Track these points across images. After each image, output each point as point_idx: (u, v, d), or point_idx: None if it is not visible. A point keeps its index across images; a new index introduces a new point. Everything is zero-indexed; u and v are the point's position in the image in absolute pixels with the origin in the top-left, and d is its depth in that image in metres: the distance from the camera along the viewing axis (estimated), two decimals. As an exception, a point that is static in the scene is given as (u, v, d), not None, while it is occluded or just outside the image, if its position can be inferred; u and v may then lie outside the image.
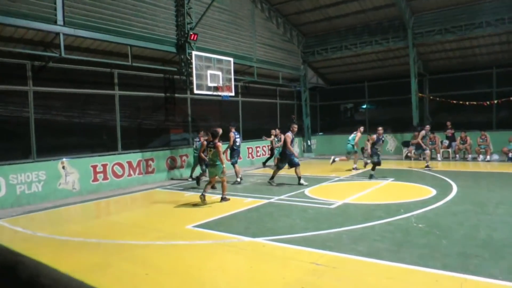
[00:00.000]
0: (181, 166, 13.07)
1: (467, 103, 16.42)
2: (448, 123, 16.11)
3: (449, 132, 15.92)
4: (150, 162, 12.05)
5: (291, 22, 18.21)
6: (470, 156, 15.06)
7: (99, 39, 10.33)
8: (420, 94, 17.42)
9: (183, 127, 14.06)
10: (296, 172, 10.60)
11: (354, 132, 13.47)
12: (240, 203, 8.02)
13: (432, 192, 8.78)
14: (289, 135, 10.71)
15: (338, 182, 11.02)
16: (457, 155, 15.44)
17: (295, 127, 11.05)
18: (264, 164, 16.16)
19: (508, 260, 4.52)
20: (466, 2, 15.09)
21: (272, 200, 8.58)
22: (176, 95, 13.45)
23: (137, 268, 4.72)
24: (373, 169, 11.24)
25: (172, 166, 12.73)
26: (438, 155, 15.58)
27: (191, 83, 11.94)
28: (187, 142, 13.84)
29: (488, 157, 14.38)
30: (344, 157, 13.57)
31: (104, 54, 11.05)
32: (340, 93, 21.51)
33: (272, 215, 7.26)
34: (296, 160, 10.68)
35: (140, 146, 12.19)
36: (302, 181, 10.53)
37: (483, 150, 14.62)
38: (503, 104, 16.20)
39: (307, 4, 16.58)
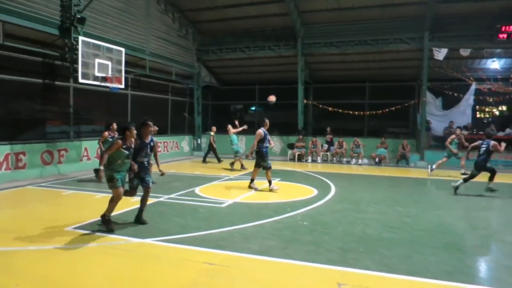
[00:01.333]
0: (59, 162, 11.81)
1: (344, 111, 18.12)
2: (328, 129, 17.71)
3: (329, 137, 17.47)
4: (21, 156, 10.62)
5: (187, 18, 17.93)
6: (345, 159, 16.72)
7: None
8: (305, 101, 18.70)
9: (62, 119, 12.75)
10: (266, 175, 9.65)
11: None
12: (127, 202, 7.57)
13: (314, 191, 9.49)
14: (261, 131, 9.77)
15: (228, 181, 11.18)
16: (334, 158, 17.02)
17: (267, 122, 10.05)
18: (204, 160, 15.97)
19: (379, 253, 5.09)
20: (350, 21, 16.67)
21: (162, 199, 8.31)
22: (57, 82, 12.12)
23: (5, 279, 4.10)
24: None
25: (47, 161, 11.42)
26: (319, 157, 16.94)
27: (76, 71, 10.87)
28: (67, 135, 12.60)
29: (360, 161, 16.15)
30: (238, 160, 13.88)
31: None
32: (231, 93, 21.91)
33: (163, 214, 7.02)
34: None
35: (9, 137, 10.66)
36: (273, 185, 9.61)
37: (356, 154, 16.34)
38: (373, 115, 18.35)
39: (205, 2, 16.50)
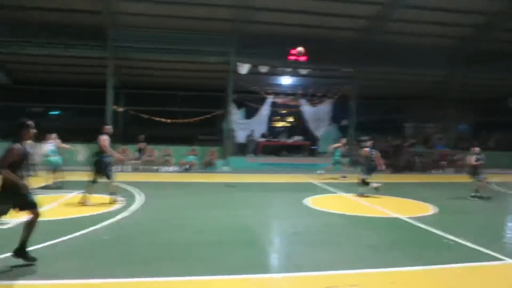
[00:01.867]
0: None
1: (157, 119, 17.99)
2: (142, 137, 17.20)
3: (142, 144, 17.04)
4: None
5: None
6: (155, 167, 16.60)
7: None
8: (115, 107, 17.77)
9: None
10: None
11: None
12: None
13: (119, 202, 9.04)
14: (105, 138, 8.84)
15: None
16: (144, 167, 16.72)
17: (107, 128, 9.08)
18: None
19: (183, 258, 5.23)
20: (166, 28, 16.71)
21: None
22: None
23: None
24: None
25: None
26: (130, 167, 16.34)
27: None
28: None
29: (170, 168, 16.35)
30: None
31: None
32: (29, 94, 19.02)
33: None
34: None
35: None
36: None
37: (167, 161, 16.46)
38: (185, 123, 18.79)
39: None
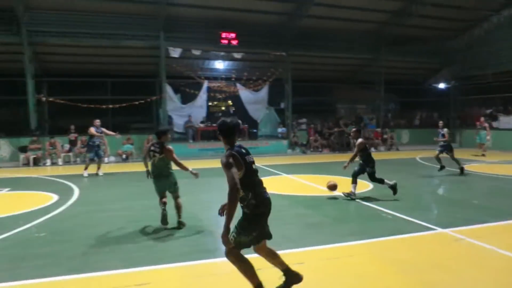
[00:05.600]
0: None
1: (86, 106, 16.87)
2: (73, 127, 16.16)
3: (73, 135, 16.03)
4: None
5: None
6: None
7: None
8: (38, 96, 16.45)
9: None
10: None
11: None
12: None
13: (54, 198, 8.51)
14: None
15: None
16: (78, 159, 15.80)
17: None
18: None
19: (123, 250, 5.07)
20: (83, 11, 15.61)
21: None
22: None
23: None
24: None
25: None
26: (60, 159, 15.35)
27: None
28: None
29: (106, 159, 15.54)
30: None
31: None
32: None
33: None
34: None
35: None
36: None
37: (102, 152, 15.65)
38: (117, 110, 17.89)
39: None
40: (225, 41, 17.33)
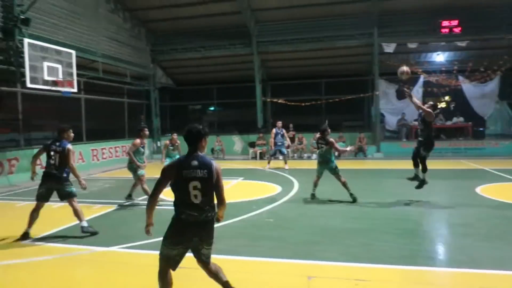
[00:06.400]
0: (10, 172, 11.15)
1: (302, 104, 18.25)
2: (291, 126, 17.83)
3: (291, 133, 17.67)
4: (-36, 167, 9.95)
5: (138, 17, 17.49)
6: (306, 155, 17.03)
7: None
8: (263, 98, 18.82)
9: (11, 126, 12.06)
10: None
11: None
12: (88, 210, 7.30)
13: (278, 188, 9.58)
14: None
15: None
16: (295, 154, 17.28)
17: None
18: None
19: (343, 243, 5.26)
20: (302, 18, 16.97)
21: (124, 205, 8.09)
22: (3, 88, 11.42)
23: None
24: None
25: (-4, 171, 10.75)
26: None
27: (23, 75, 10.31)
28: (17, 143, 11.94)
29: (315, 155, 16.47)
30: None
31: None
32: (189, 94, 21.67)
33: (126, 220, 6.86)
34: None
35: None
36: None
37: (316, 149, 16.64)
38: (330, 110, 18.66)
39: (155, 1, 16.15)
40: (446, 30, 15.70)
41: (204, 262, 3.38)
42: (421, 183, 7.75)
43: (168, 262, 3.28)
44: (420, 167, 7.66)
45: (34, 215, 5.86)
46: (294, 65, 19.52)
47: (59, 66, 11.23)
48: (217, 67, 19.87)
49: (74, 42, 13.34)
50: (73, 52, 12.01)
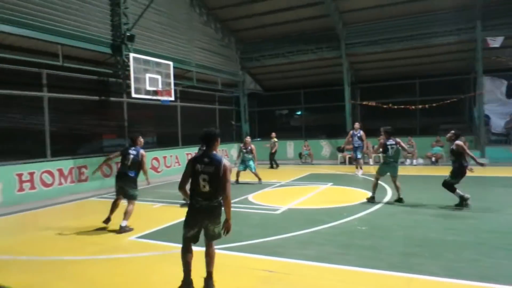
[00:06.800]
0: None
1: (395, 107, 17.39)
2: (382, 129, 16.89)
3: (382, 137, 16.80)
4: (83, 169, 11.26)
5: (228, 27, 18.23)
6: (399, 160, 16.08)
7: (25, 35, 9.48)
8: (352, 101, 18.29)
9: (117, 132, 13.37)
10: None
11: None
12: (183, 211, 7.75)
13: (369, 195, 9.17)
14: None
15: (279, 188, 11.15)
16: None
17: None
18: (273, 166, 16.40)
19: (444, 257, 4.84)
20: (393, 17, 16.19)
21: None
22: (112, 98, 12.75)
23: (78, 287, 4.33)
24: None
25: (107, 173, 11.98)
26: (370, 159, 16.47)
27: (129, 86, 11.40)
28: (123, 148, 13.17)
29: (414, 161, 15.48)
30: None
31: (30, 52, 10.14)
32: (276, 99, 21.91)
33: (219, 222, 7.12)
34: None
35: (71, 152, 11.36)
36: None
37: (410, 154, 15.69)
38: (425, 112, 17.49)
39: (244, 10, 16.71)
40: None
41: (212, 239, 4.06)
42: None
43: (189, 239, 4.06)
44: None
45: (114, 205, 7.01)
46: (385, 66, 18.64)
47: (159, 77, 12.17)
48: (304, 72, 19.82)
49: (172, 54, 14.39)
50: (171, 63, 12.95)
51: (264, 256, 5.07)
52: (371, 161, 16.44)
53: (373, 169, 13.74)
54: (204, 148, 4.08)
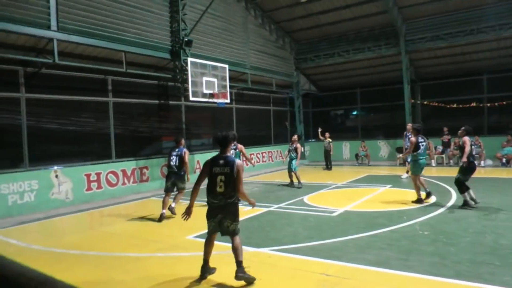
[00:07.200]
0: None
1: (460, 105, 16.40)
2: (445, 129, 16.07)
3: (446, 137, 15.97)
4: (145, 170, 11.83)
5: (283, 29, 18.23)
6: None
7: (92, 45, 10.14)
8: (412, 100, 17.50)
9: (176, 135, 13.85)
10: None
11: None
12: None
13: (432, 198, 8.72)
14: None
15: (335, 189, 10.93)
16: (451, 161, 15.51)
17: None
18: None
19: (506, 263, 4.48)
20: (457, 10, 15.27)
21: (271, 209, 8.45)
22: (170, 102, 13.28)
23: (141, 282, 4.54)
24: None
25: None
26: (433, 161, 15.62)
27: (187, 90, 11.79)
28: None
29: (482, 162, 14.45)
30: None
31: (97, 60, 10.84)
32: (332, 99, 21.54)
33: (274, 224, 7.13)
34: None
35: (134, 153, 11.98)
36: None
37: (477, 155, 14.67)
38: (493, 109, 16.31)
39: (299, 11, 16.61)
40: None
41: (228, 234, 4.45)
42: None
43: (210, 231, 4.54)
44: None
45: (165, 200, 7.84)
46: (448, 62, 17.58)
47: (215, 80, 12.46)
48: (361, 71, 19.29)
49: (227, 57, 14.67)
50: (227, 66, 13.20)
51: (321, 259, 4.98)
52: (433, 163, 15.56)
53: (435, 171, 13.08)
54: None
